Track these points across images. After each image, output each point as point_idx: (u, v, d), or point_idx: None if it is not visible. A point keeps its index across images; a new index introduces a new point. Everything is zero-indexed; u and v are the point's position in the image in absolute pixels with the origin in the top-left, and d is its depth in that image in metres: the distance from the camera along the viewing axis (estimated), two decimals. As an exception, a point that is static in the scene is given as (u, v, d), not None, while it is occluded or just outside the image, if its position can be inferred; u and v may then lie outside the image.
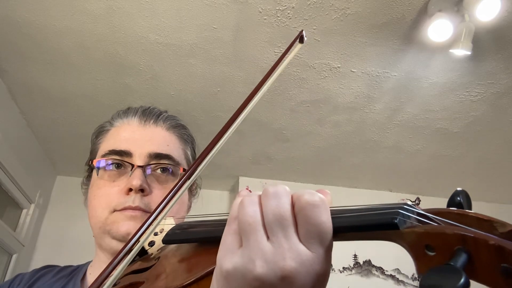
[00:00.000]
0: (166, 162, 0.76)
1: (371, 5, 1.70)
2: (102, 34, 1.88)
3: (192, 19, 1.80)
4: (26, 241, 2.69)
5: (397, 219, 0.34)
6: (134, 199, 0.70)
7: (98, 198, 0.74)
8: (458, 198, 0.36)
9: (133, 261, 0.49)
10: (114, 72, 2.11)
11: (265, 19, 1.78)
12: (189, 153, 0.84)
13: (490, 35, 1.81)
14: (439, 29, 1.69)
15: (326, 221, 0.36)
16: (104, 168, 0.75)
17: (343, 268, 2.91)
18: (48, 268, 0.83)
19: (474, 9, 1.61)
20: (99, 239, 0.74)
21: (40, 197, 2.85)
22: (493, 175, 2.96)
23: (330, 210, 0.37)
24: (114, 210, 0.71)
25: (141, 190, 0.71)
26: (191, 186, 0.82)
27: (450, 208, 0.35)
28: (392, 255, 2.84)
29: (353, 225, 0.37)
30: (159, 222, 0.49)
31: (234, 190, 3.26)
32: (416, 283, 2.90)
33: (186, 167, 0.80)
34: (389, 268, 2.93)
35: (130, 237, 0.47)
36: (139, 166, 0.73)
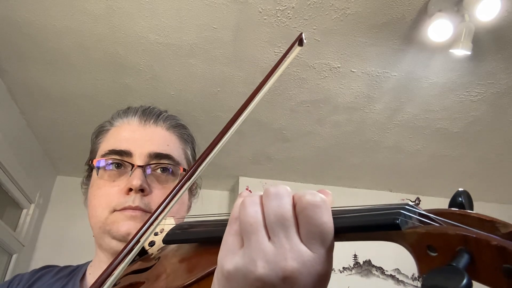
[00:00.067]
0: (166, 162, 0.76)
1: (371, 5, 1.70)
2: (102, 34, 1.88)
3: (192, 19, 1.80)
4: (26, 241, 2.69)
5: (399, 220, 0.34)
6: (134, 199, 0.70)
7: (98, 198, 0.73)
8: (460, 199, 0.35)
9: (133, 261, 0.49)
10: (114, 72, 2.11)
11: (265, 19, 1.78)
12: (189, 153, 0.84)
13: (490, 35, 1.81)
14: (439, 29, 1.69)
15: (328, 221, 0.36)
16: (104, 168, 0.75)
17: (343, 268, 2.91)
18: (47, 268, 0.83)
19: (474, 9, 1.61)
20: (99, 239, 0.74)
21: (40, 197, 2.85)
22: (493, 175, 2.96)
23: (332, 210, 0.37)
24: (114, 210, 0.71)
25: (141, 190, 0.71)
26: (191, 186, 0.82)
27: (452, 209, 0.35)
28: (392, 255, 2.84)
29: (354, 226, 0.37)
30: (159, 222, 0.49)
31: (234, 190, 3.25)
32: (416, 283, 2.90)
33: (186, 167, 0.80)
34: (389, 268, 2.93)
35: (130, 237, 0.47)
36: (139, 166, 0.73)
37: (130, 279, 0.56)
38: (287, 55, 0.60)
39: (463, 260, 0.29)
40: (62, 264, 0.85)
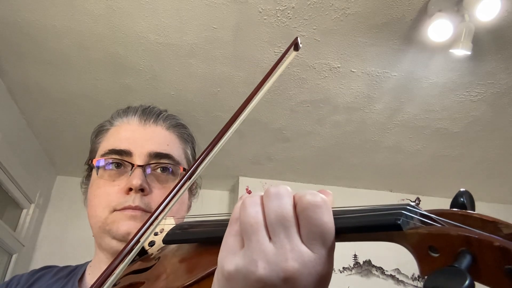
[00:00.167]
0: (166, 161, 0.75)
1: (371, 5, 1.70)
2: (102, 34, 1.87)
3: (192, 19, 1.80)
4: (26, 241, 2.69)
5: (400, 220, 0.33)
6: (134, 199, 0.70)
7: (98, 197, 0.73)
8: (462, 199, 0.35)
9: (133, 261, 0.49)
10: (114, 72, 2.11)
11: (265, 19, 1.78)
12: (189, 152, 0.84)
13: (490, 35, 1.81)
14: (439, 29, 1.69)
15: (328, 221, 0.36)
16: (104, 167, 0.74)
17: (343, 268, 2.91)
18: (47, 268, 0.83)
19: (474, 9, 1.61)
20: (98, 238, 0.74)
21: (40, 197, 2.85)
22: (493, 175, 2.96)
23: (332, 210, 0.37)
24: (114, 210, 0.71)
25: (141, 190, 0.71)
26: (191, 186, 0.81)
27: (454, 209, 0.34)
28: (392, 255, 2.84)
29: (355, 226, 0.36)
30: (159, 222, 0.49)
31: (234, 190, 3.25)
32: (416, 283, 2.90)
33: (186, 167, 0.80)
34: (389, 268, 2.93)
35: (130, 237, 0.47)
36: (139, 166, 0.72)
37: (130, 279, 0.55)
38: (282, 60, 0.59)
39: (465, 261, 0.29)
40: (62, 264, 0.85)
